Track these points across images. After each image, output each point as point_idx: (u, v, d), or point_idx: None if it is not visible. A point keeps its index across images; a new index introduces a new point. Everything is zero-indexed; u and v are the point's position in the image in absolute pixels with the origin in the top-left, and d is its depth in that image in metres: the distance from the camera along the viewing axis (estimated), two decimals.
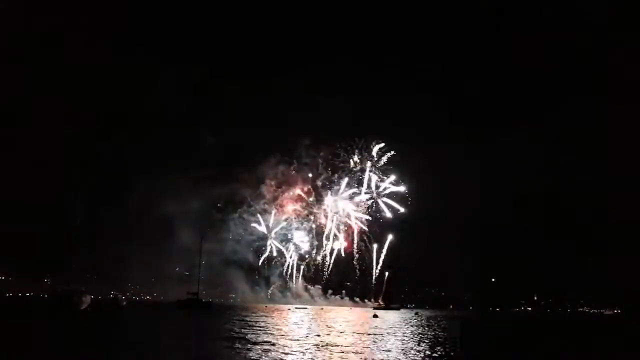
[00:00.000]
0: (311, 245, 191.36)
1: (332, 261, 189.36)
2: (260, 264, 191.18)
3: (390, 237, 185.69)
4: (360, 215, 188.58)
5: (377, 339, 39.60)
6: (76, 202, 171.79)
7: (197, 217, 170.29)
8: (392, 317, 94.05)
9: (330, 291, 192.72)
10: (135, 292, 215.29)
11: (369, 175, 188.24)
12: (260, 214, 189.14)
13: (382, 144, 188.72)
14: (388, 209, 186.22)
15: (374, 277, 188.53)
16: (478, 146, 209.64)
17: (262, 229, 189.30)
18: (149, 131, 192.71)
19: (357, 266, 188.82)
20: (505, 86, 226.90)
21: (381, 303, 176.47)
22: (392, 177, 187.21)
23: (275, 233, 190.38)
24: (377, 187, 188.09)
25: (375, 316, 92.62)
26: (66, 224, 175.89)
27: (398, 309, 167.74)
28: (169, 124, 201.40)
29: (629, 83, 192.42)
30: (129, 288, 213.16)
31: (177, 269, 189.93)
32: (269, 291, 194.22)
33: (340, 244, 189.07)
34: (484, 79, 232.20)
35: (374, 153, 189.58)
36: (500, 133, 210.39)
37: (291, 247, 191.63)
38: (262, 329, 46.92)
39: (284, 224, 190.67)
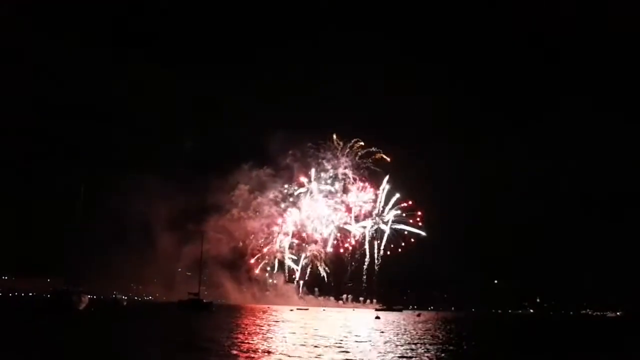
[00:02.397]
0: (292, 247, 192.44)
1: (321, 264, 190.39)
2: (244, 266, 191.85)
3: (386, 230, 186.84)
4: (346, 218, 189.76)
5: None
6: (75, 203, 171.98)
7: (188, 219, 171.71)
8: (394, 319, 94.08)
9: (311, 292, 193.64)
10: (137, 292, 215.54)
11: (345, 180, 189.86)
12: (236, 222, 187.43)
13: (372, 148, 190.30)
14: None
15: (343, 271, 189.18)
16: (478, 145, 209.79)
17: (239, 237, 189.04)
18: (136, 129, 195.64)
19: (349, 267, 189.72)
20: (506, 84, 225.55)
21: (382, 305, 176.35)
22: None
23: (253, 243, 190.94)
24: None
25: (377, 317, 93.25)
26: (67, 223, 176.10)
27: (400, 310, 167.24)
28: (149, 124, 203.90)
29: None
30: (132, 288, 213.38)
31: (180, 269, 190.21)
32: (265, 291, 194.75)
33: (321, 247, 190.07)
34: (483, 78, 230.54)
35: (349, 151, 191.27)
36: (503, 132, 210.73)
37: (279, 244, 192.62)
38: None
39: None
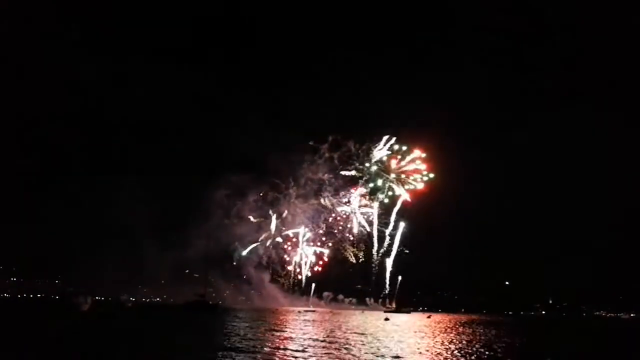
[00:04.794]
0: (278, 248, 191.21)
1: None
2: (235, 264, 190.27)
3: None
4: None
5: None
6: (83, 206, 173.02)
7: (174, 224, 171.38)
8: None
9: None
10: (145, 294, 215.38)
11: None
12: (219, 227, 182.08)
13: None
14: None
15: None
16: (491, 147, 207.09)
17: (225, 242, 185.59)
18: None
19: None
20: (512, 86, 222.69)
21: (390, 306, 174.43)
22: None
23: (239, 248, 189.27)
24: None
25: (386, 319, 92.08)
26: (77, 225, 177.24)
27: (408, 312, 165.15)
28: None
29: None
30: (140, 290, 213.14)
31: (187, 271, 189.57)
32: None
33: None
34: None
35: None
36: (514, 130, 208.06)
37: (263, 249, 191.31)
38: None
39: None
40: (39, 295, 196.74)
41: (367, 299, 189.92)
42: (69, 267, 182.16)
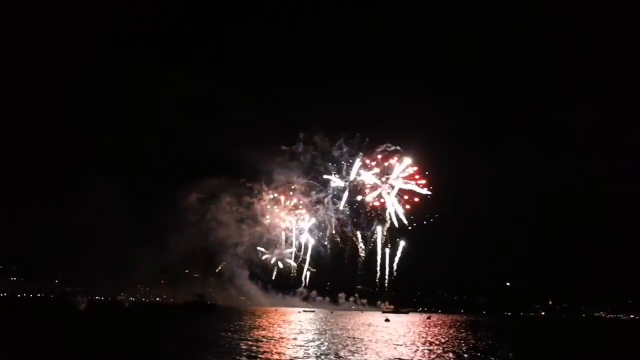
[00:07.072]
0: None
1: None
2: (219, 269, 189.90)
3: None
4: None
5: None
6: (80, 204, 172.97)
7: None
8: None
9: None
10: (144, 293, 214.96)
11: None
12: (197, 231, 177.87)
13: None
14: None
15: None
16: (491, 148, 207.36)
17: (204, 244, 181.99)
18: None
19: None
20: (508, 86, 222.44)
21: (389, 306, 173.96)
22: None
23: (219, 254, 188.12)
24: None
25: (387, 320, 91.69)
26: (75, 224, 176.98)
27: (407, 312, 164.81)
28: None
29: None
30: (139, 289, 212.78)
31: (187, 270, 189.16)
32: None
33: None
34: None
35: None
36: (517, 131, 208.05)
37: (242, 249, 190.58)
38: None
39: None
40: (38, 295, 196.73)
41: (339, 294, 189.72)
42: (68, 267, 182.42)
